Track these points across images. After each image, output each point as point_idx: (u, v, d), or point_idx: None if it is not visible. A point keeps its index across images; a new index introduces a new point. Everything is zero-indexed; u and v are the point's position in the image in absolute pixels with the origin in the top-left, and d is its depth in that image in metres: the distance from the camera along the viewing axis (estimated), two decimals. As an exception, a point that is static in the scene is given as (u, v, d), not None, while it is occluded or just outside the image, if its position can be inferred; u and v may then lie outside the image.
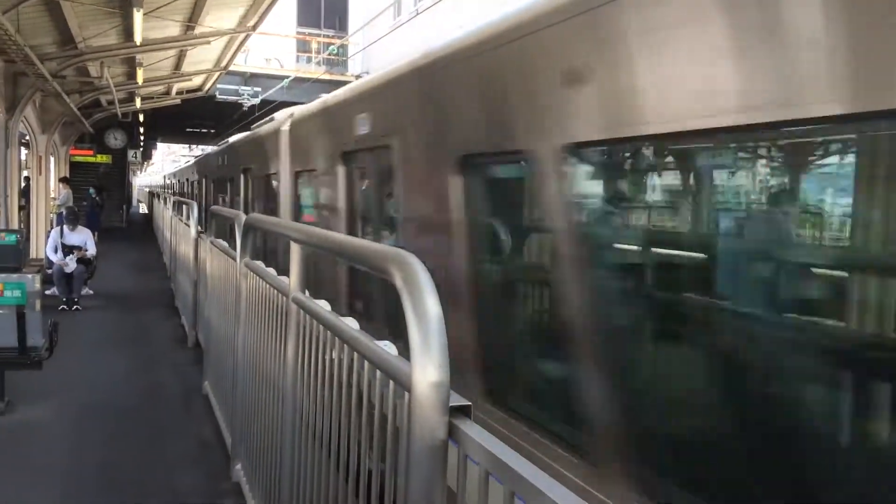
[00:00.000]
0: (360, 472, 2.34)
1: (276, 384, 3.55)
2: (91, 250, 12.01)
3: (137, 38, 12.41)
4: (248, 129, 12.79)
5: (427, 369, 1.69)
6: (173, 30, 14.03)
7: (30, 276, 6.28)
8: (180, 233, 11.01)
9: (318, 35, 31.30)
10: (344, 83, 9.78)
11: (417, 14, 16.94)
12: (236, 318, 4.72)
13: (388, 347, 2.19)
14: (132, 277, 15.64)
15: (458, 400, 1.74)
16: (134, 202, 49.39)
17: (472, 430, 1.67)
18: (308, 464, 2.98)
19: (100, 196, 24.44)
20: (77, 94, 18.02)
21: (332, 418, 2.65)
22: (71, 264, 11.44)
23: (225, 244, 5.73)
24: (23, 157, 17.99)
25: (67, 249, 11.64)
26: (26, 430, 5.91)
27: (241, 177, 11.01)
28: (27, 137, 17.42)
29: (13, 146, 13.64)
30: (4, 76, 13.08)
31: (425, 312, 1.75)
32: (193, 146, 57.67)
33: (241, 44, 16.11)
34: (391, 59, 6.56)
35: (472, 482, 1.66)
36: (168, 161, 78.49)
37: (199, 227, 8.75)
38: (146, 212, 41.50)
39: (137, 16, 10.93)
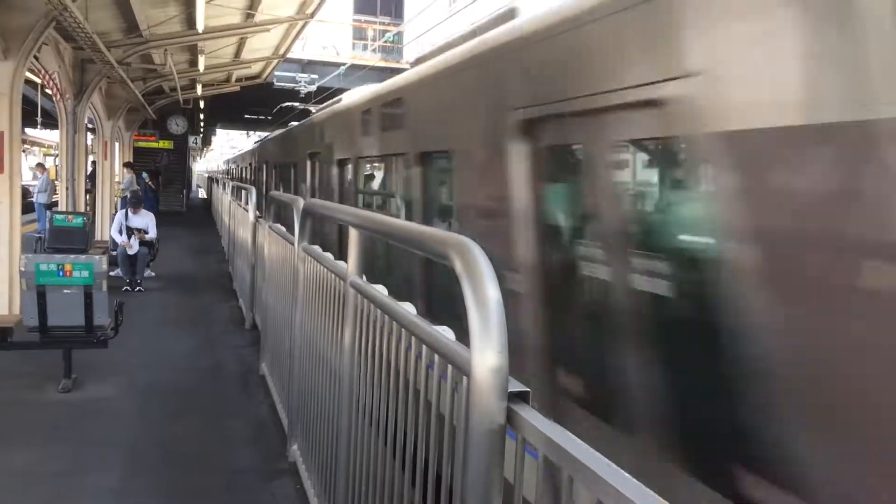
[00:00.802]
0: (416, 456, 2.37)
1: (333, 367, 3.60)
2: (152, 233, 12.34)
3: (200, 26, 12.65)
4: (308, 114, 13.04)
5: (486, 354, 1.70)
6: (234, 17, 14.26)
7: (97, 257, 6.48)
8: (238, 217, 11.23)
9: (375, 22, 31.42)
10: (399, 70, 9.83)
11: (474, 1, 16.84)
12: (293, 301, 4.80)
13: (445, 332, 2.20)
14: (192, 260, 16.02)
15: (516, 385, 1.74)
16: (193, 187, 50.46)
17: (530, 415, 1.67)
18: (364, 447, 3.03)
19: (155, 181, 25.00)
20: (141, 80, 18.48)
21: (388, 402, 2.68)
22: (134, 245, 11.78)
23: (283, 229, 5.83)
24: (89, 143, 18.54)
25: (130, 232, 12.00)
26: (93, 407, 6.13)
27: (308, 162, 10.64)
28: (93, 123, 17.94)
29: (81, 131, 14.05)
30: (73, 63, 13.48)
31: (485, 297, 1.75)
32: (251, 132, 58.62)
33: (300, 31, 16.28)
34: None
35: (531, 468, 1.66)
36: (226, 147, 79.91)
37: (258, 212, 8.91)
38: (205, 197, 42.38)
39: (200, 4, 11.14)
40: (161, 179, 26.63)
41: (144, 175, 24.22)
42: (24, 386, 6.55)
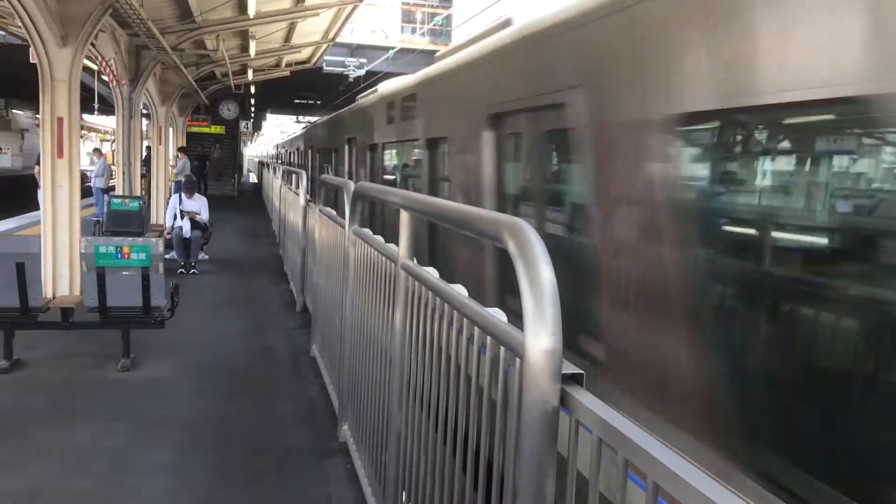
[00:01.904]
0: (468, 439, 2.37)
1: (384, 349, 3.62)
2: (204, 216, 12.56)
3: (251, 11, 12.79)
4: (354, 100, 13.06)
5: (540, 336, 1.69)
6: (284, 2, 14.37)
7: (154, 239, 6.62)
8: (289, 201, 11.36)
9: (423, 5, 31.33)
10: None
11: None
12: (344, 283, 4.84)
13: (497, 314, 2.19)
14: (243, 244, 16.29)
15: (570, 368, 1.73)
16: (245, 172, 51.24)
17: (584, 397, 1.66)
18: (414, 429, 3.04)
19: (202, 165, 25.42)
20: (194, 66, 18.79)
21: (439, 384, 2.69)
22: (185, 227, 12.03)
23: (333, 212, 5.88)
24: (144, 128, 18.94)
25: (184, 216, 12.25)
26: (150, 385, 6.29)
27: (345, 146, 11.71)
28: (148, 109, 18.31)
29: (136, 117, 14.36)
30: (128, 50, 13.76)
31: (539, 279, 1.73)
32: (300, 117, 59.19)
33: (349, 15, 16.34)
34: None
35: (584, 450, 1.65)
36: (276, 132, 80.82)
37: (308, 196, 9.00)
38: (256, 181, 43.00)
39: (251, -11, 11.25)
40: (207, 164, 27.10)
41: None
42: (86, 365, 6.76)
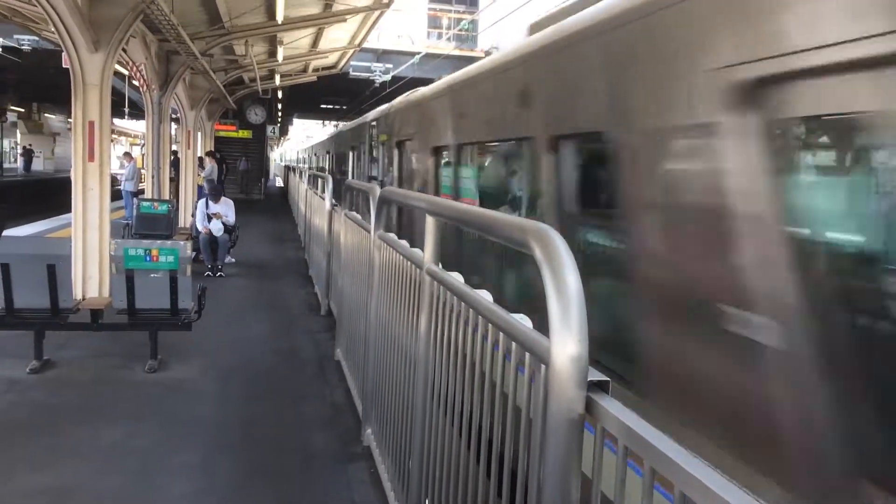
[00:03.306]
0: (492, 444, 2.37)
1: (409, 353, 3.63)
2: (231, 219, 12.67)
3: (279, 17, 12.92)
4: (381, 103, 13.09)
5: (566, 343, 1.68)
6: (313, 8, 14.49)
7: (182, 242, 6.70)
8: (314, 205, 11.43)
9: (450, 11, 31.40)
10: (474, 59, 9.92)
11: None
12: (369, 288, 4.86)
13: (523, 321, 2.19)
14: (269, 247, 16.41)
15: (596, 375, 1.72)
16: (271, 176, 51.66)
17: (610, 405, 1.65)
18: (438, 434, 3.04)
19: (221, 168, 25.57)
20: (223, 71, 19.00)
21: (463, 390, 2.69)
22: (214, 228, 12.14)
23: (358, 217, 5.91)
24: (173, 132, 19.17)
25: (211, 219, 12.38)
26: (177, 387, 6.36)
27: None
28: (177, 113, 18.54)
29: (165, 121, 14.55)
30: (158, 55, 13.96)
31: (565, 285, 1.73)
32: (326, 122, 59.53)
33: (376, 21, 16.44)
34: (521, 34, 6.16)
35: (609, 458, 1.64)
36: (302, 136, 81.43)
37: (333, 200, 9.05)
38: (281, 185, 43.30)
39: (279, -5, 11.37)
40: (225, 169, 27.29)
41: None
42: (114, 366, 6.85)
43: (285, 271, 13.14)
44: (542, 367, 1.85)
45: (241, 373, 6.85)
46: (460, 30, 29.41)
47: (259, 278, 12.31)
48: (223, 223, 12.38)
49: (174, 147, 19.78)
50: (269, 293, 11.08)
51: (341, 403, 6.09)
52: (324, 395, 6.32)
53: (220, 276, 12.02)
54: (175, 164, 18.53)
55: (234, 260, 13.27)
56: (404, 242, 4.02)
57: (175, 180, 18.11)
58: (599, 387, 1.72)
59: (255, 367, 7.06)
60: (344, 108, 41.26)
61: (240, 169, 30.70)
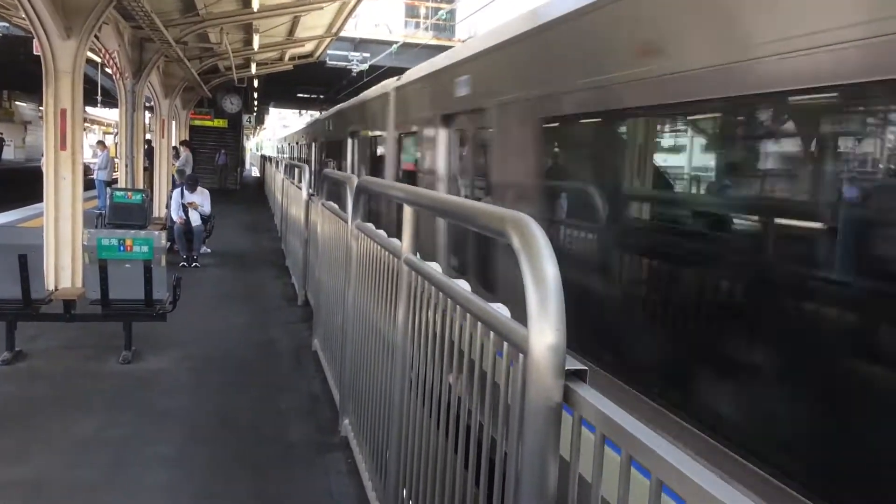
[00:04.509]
0: (470, 433, 2.37)
1: (386, 343, 3.62)
2: (207, 209, 12.55)
3: (255, 5, 12.77)
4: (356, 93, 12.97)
5: (544, 332, 1.68)
6: (288, -4, 14.36)
7: (156, 232, 6.63)
8: (291, 195, 11.36)
9: (427, 0, 31.28)
10: (449, 48, 9.67)
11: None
12: (346, 278, 4.84)
13: (501, 310, 2.19)
14: (245, 237, 16.30)
15: (573, 364, 1.73)
16: (247, 165, 51.24)
17: (587, 393, 1.65)
18: (416, 423, 3.04)
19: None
20: (197, 59, 18.78)
21: (442, 379, 2.69)
22: (192, 217, 12.04)
23: (335, 206, 5.87)
24: (147, 121, 18.95)
25: (186, 208, 12.26)
26: (151, 378, 6.30)
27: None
28: (151, 102, 18.30)
29: (139, 110, 14.36)
30: (132, 42, 13.76)
31: (543, 274, 1.73)
32: (303, 111, 59.15)
33: (353, 9, 16.32)
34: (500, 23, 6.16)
35: (587, 446, 1.65)
36: (278, 126, 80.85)
37: (311, 190, 8.99)
38: (258, 175, 42.96)
39: (255, -18, 11.24)
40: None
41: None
42: (87, 357, 6.77)
43: (262, 262, 13.06)
44: (520, 356, 1.85)
45: (217, 364, 6.79)
46: (438, 19, 29.31)
47: (235, 269, 12.22)
48: (199, 213, 12.27)
49: (148, 136, 19.56)
50: (246, 283, 11.00)
51: (318, 394, 6.07)
52: (301, 386, 6.29)
53: (196, 266, 11.91)
54: (149, 153, 18.32)
55: (209, 250, 13.16)
56: (382, 232, 4.01)
57: (149, 169, 17.91)
58: (577, 375, 1.73)
59: (231, 358, 7.01)
60: (321, 97, 40.97)
61: (218, 163, 30.34)
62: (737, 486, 1.24)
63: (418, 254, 3.26)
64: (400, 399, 3.31)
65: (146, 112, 18.53)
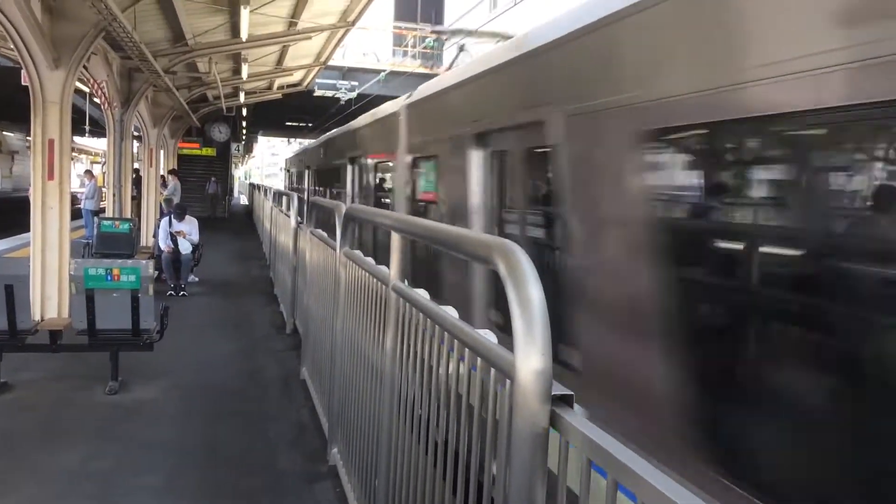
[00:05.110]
0: (458, 460, 2.37)
1: (375, 371, 3.62)
2: (195, 237, 12.53)
3: (244, 35, 12.87)
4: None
5: (531, 357, 1.70)
6: (277, 26, 14.47)
7: (144, 262, 6.61)
8: (280, 223, 11.36)
9: (415, 29, 31.58)
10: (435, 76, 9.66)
11: (515, 4, 16.88)
12: (335, 306, 4.84)
13: (488, 336, 2.20)
14: (234, 266, 16.25)
15: (560, 389, 1.74)
16: (235, 193, 51.23)
17: (573, 418, 1.67)
18: (405, 451, 3.03)
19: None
20: (186, 88, 18.84)
21: (430, 406, 2.69)
22: (182, 246, 12.01)
23: (324, 234, 5.89)
24: (135, 150, 18.94)
25: (175, 237, 12.23)
26: (138, 408, 6.24)
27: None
28: (139, 131, 18.31)
29: (127, 139, 14.37)
30: (120, 72, 13.80)
31: (529, 301, 1.75)
32: (291, 140, 59.30)
33: (341, 39, 16.47)
34: (487, 51, 6.06)
35: (573, 471, 1.65)
36: (267, 154, 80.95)
37: (299, 218, 9.00)
38: (246, 203, 42.92)
39: (244, 12, 11.34)
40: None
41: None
42: (74, 387, 6.70)
43: (250, 290, 13.02)
44: (507, 381, 1.86)
45: (205, 393, 6.75)
46: (424, 47, 29.59)
47: (223, 297, 12.17)
48: (187, 241, 12.25)
49: (136, 165, 19.54)
50: (234, 312, 10.96)
51: (307, 422, 6.03)
52: (289, 415, 6.26)
53: (184, 295, 11.86)
54: (137, 182, 18.30)
55: (197, 279, 13.11)
56: (370, 260, 4.02)
57: (137, 198, 17.88)
58: (563, 400, 1.74)
59: (219, 388, 6.96)
60: (310, 125, 41.12)
61: (209, 192, 30.25)
62: None
63: (406, 280, 3.28)
64: (389, 426, 3.30)
65: (134, 141, 18.53)
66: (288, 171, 30.41)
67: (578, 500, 1.61)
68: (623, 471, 1.43)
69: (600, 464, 1.52)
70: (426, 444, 2.73)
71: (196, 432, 5.75)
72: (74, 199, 15.62)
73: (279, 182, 54.65)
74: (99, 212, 17.40)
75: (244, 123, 33.43)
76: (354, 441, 4.25)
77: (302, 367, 7.31)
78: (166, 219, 12.63)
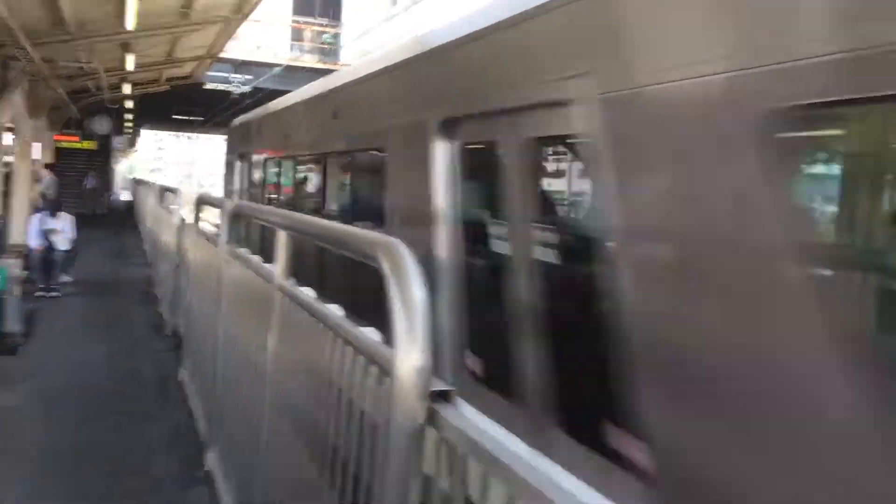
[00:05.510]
0: (337, 457, 2.35)
1: (257, 371, 3.54)
2: (69, 234, 11.91)
3: (129, 24, 12.31)
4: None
5: (411, 354, 1.71)
6: (168, 16, 13.93)
7: (10, 261, 6.23)
8: (163, 220, 10.95)
9: (312, 24, 31.18)
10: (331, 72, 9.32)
11: (416, 3, 16.97)
12: (218, 305, 4.70)
13: (372, 334, 2.20)
14: (112, 264, 15.57)
15: (439, 385, 1.75)
16: (118, 188, 49.01)
17: (450, 414, 1.68)
18: (284, 450, 2.98)
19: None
20: (67, 78, 17.88)
21: (310, 404, 2.65)
22: (59, 244, 11.39)
23: (208, 232, 5.71)
24: (10, 142, 17.77)
25: (47, 235, 11.58)
26: (0, 416, 5.86)
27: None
28: (13, 123, 17.20)
29: (0, 132, 13.50)
30: (-8, 58, 12.94)
31: (411, 298, 1.77)
32: (180, 134, 57.35)
33: (234, 30, 16.03)
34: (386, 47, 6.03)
35: (451, 466, 1.67)
36: (154, 148, 77.98)
37: (182, 215, 8.70)
38: (128, 199, 41.16)
39: (131, 1, 10.86)
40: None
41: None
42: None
43: (129, 289, 12.46)
44: (387, 378, 1.86)
45: (75, 397, 6.40)
46: (323, 43, 29.28)
47: (99, 297, 11.61)
48: (60, 239, 11.62)
49: (8, 158, 18.34)
50: (110, 313, 10.46)
51: (184, 425, 5.82)
52: (165, 418, 6.03)
53: (55, 295, 11.21)
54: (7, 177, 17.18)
55: (70, 279, 12.39)
56: (256, 258, 3.93)
57: (7, 194, 16.78)
58: (442, 396, 1.75)
59: (91, 391, 6.62)
60: (200, 119, 39.79)
61: (87, 187, 28.74)
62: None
63: (293, 279, 3.22)
64: (269, 426, 3.23)
65: (8, 133, 17.39)
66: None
67: (452, 497, 1.62)
68: (496, 464, 1.45)
69: (476, 458, 1.54)
70: (306, 440, 2.69)
71: (64, 437, 5.46)
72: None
73: (166, 179, 53.06)
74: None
75: (129, 116, 31.98)
76: (234, 443, 4.14)
77: (181, 368, 7.05)
78: (38, 215, 11.93)
